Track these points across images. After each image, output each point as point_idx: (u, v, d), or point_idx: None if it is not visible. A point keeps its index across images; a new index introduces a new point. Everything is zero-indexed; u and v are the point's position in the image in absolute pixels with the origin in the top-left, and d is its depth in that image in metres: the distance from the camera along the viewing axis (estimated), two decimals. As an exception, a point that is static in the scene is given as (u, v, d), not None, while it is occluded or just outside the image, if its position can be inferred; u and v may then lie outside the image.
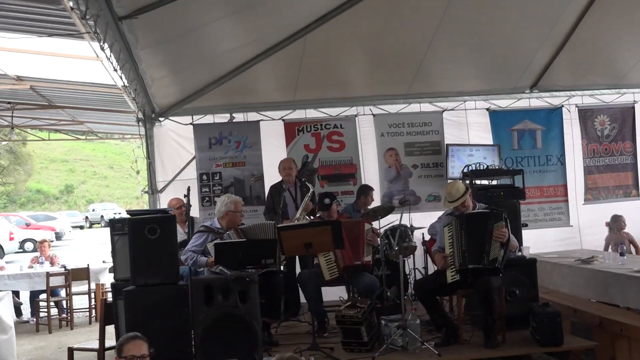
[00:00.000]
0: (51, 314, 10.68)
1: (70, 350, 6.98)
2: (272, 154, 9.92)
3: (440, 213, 7.82)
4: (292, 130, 10.07)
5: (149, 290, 6.05)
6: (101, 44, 6.24)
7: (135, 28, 6.20)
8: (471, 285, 6.38)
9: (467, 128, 10.59)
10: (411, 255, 8.75)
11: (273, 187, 8.78)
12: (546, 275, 8.47)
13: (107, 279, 10.69)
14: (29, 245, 29.03)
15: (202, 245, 6.94)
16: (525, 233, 8.77)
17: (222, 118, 10.06)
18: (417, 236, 8.93)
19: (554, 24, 8.78)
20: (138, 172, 49.18)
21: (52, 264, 11.64)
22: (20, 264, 12.10)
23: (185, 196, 7.87)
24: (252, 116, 10.09)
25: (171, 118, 9.82)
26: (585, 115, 10.75)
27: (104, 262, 11.95)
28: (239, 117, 10.08)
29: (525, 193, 8.80)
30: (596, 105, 10.84)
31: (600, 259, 8.18)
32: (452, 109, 10.48)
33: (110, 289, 8.47)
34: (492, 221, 6.37)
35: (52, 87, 11.76)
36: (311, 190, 8.21)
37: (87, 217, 48.42)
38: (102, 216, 46.25)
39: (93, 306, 11.15)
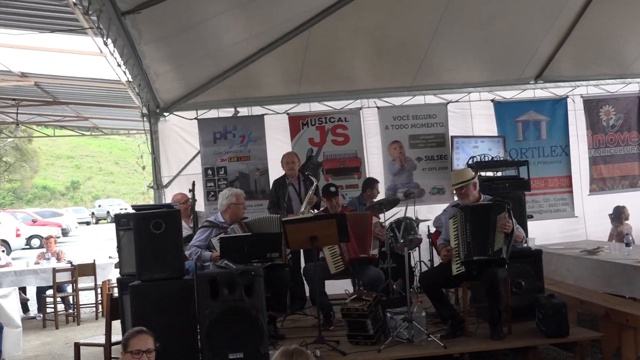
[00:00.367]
0: (58, 310, 10.71)
1: (77, 346, 7.01)
2: (277, 148, 9.93)
3: (444, 205, 7.81)
4: (296, 123, 10.07)
5: (155, 285, 6.05)
6: (104, 39, 6.24)
7: (138, 23, 6.20)
8: (477, 277, 6.38)
9: (472, 120, 10.57)
10: (417, 248, 8.75)
11: (276, 182, 8.78)
12: (552, 267, 8.46)
13: (113, 275, 10.73)
14: (35, 242, 29.12)
15: (206, 240, 6.95)
16: (531, 224, 8.74)
17: (227, 112, 10.07)
18: (423, 229, 8.91)
19: (558, 14, 8.75)
20: (144, 168, 49.11)
21: (58, 259, 11.69)
22: (27, 260, 12.16)
23: (190, 191, 7.88)
24: (257, 110, 10.09)
25: (176, 113, 9.82)
26: (590, 105, 10.72)
27: (110, 257, 12.00)
28: (243, 111, 10.09)
29: (530, 184, 8.78)
30: (601, 95, 10.81)
31: (606, 250, 8.17)
32: (456, 101, 10.45)
33: (116, 284, 8.49)
34: (495, 212, 6.36)
35: (57, 83, 11.80)
36: (315, 184, 8.22)
37: (93, 213, 48.51)
38: (108, 212, 46.27)
39: (99, 301, 11.18)
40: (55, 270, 10.57)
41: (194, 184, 7.88)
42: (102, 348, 6.65)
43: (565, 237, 10.09)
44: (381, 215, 8.35)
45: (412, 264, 8.71)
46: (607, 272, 7.48)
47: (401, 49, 9.07)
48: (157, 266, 6.10)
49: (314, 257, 6.89)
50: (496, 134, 10.34)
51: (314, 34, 8.35)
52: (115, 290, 8.61)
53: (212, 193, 9.71)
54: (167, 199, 9.46)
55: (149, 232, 6.11)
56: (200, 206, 9.27)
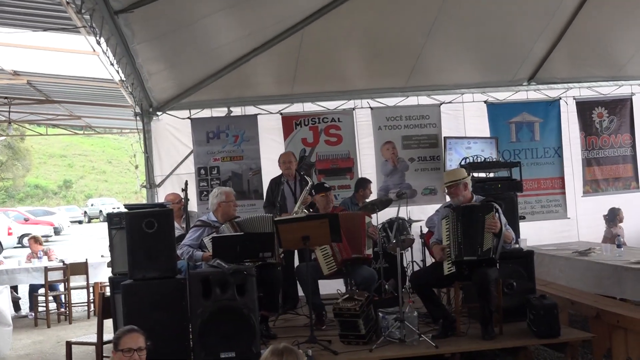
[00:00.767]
0: (50, 309, 10.69)
1: (69, 344, 7.00)
2: (270, 147, 9.94)
3: (436, 206, 7.84)
4: (289, 123, 10.07)
5: (147, 284, 6.05)
6: (97, 38, 6.23)
7: (131, 22, 6.19)
8: (468, 277, 6.41)
9: (465, 121, 10.59)
10: (409, 248, 8.77)
11: (273, 181, 8.81)
12: (543, 268, 8.49)
13: (105, 274, 10.72)
14: (27, 241, 28.98)
15: (197, 239, 6.96)
16: (523, 225, 8.77)
17: (220, 112, 10.07)
18: (415, 229, 8.93)
19: (551, 15, 8.78)
20: (137, 167, 49.18)
21: (48, 258, 11.65)
22: (19, 259, 12.15)
23: (183, 190, 7.88)
24: (250, 110, 10.09)
25: (169, 112, 9.81)
26: (583, 107, 10.76)
27: (102, 256, 11.98)
28: (236, 111, 10.09)
29: (522, 185, 8.81)
30: (594, 97, 10.84)
31: (597, 251, 8.20)
32: (449, 102, 10.47)
33: (108, 283, 8.49)
34: (482, 212, 6.40)
35: (49, 81, 11.78)
36: (310, 184, 8.23)
37: (85, 212, 48.42)
38: (100, 211, 46.16)
39: (91, 300, 11.16)
40: (47, 269, 10.55)
41: (186, 184, 7.87)
42: (93, 347, 6.66)
43: (558, 239, 10.12)
44: (373, 216, 8.36)
45: (405, 264, 8.72)
46: (598, 274, 7.51)
47: (395, 49, 9.07)
48: (150, 265, 6.10)
49: (306, 257, 6.89)
50: (489, 135, 10.35)
51: (307, 34, 8.35)
52: (107, 289, 8.59)
53: (205, 193, 9.68)
54: (160, 198, 9.46)
55: (142, 231, 6.11)
56: (193, 206, 9.26)
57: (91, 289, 11.12)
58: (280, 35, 8.32)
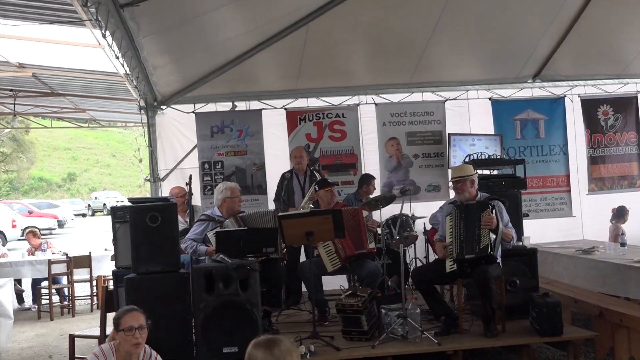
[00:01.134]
0: (53, 302, 10.71)
1: (72, 337, 7.01)
2: (274, 143, 9.96)
3: (440, 203, 7.83)
4: (294, 119, 10.06)
5: (150, 278, 6.07)
6: (103, 31, 6.22)
7: (136, 16, 6.19)
8: (470, 274, 6.40)
9: (469, 117, 10.57)
10: (412, 245, 8.77)
11: (283, 175, 8.83)
12: (547, 266, 8.49)
13: (109, 267, 10.73)
14: (25, 235, 29.00)
15: (202, 233, 6.97)
16: (529, 223, 8.76)
17: (224, 107, 10.05)
18: (418, 226, 8.93)
19: (556, 13, 8.75)
20: (141, 161, 49.07)
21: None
22: (22, 251, 12.15)
23: (186, 184, 7.88)
24: (254, 105, 10.08)
25: (173, 106, 9.80)
26: (588, 105, 10.73)
27: (105, 249, 12.00)
28: (241, 105, 10.08)
29: (526, 183, 8.77)
30: (599, 95, 10.81)
31: (601, 250, 8.19)
32: (454, 99, 10.45)
33: (111, 277, 8.50)
34: (478, 210, 6.41)
35: (54, 74, 11.79)
36: (319, 179, 8.26)
37: (89, 205, 48.49)
38: (104, 204, 46.23)
39: (95, 294, 11.18)
40: (50, 262, 10.57)
41: (190, 178, 7.86)
42: (96, 340, 6.65)
43: (563, 237, 10.08)
44: (377, 212, 8.36)
45: (408, 260, 8.73)
46: (601, 272, 7.50)
47: (400, 45, 9.05)
48: (153, 259, 6.12)
49: (309, 253, 6.89)
50: (493, 132, 10.34)
51: (312, 30, 8.34)
52: (111, 282, 8.61)
53: (209, 187, 9.70)
54: (164, 192, 9.46)
55: (145, 225, 6.13)
56: (196, 200, 9.26)
57: (94, 282, 11.13)
58: (285, 30, 8.31)
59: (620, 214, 9.90)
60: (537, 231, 9.47)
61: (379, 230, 8.13)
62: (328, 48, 8.93)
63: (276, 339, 2.90)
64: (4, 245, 20.18)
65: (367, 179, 9.28)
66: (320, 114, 10.10)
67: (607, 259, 7.59)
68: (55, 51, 9.99)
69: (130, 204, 6.62)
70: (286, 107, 10.09)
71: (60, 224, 34.52)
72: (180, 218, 7.90)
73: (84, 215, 46.07)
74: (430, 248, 8.72)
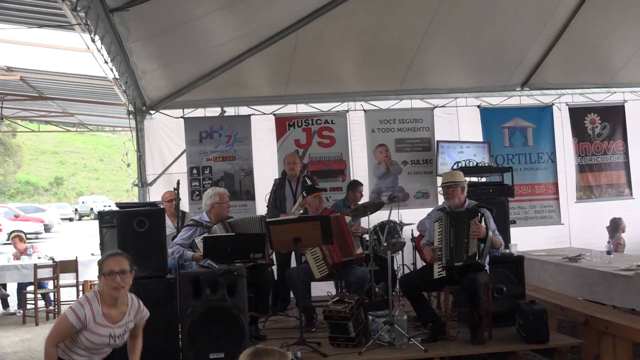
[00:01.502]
0: (38, 306, 10.64)
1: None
2: (263, 148, 9.96)
3: (428, 210, 7.85)
4: (283, 125, 10.07)
5: (137, 283, 5.96)
6: (92, 35, 6.22)
7: (126, 20, 6.18)
8: (457, 282, 6.42)
9: (458, 125, 10.60)
10: (400, 252, 8.78)
11: (276, 181, 8.84)
12: (534, 273, 8.53)
13: (95, 272, 10.66)
14: (11, 239, 28.82)
15: (189, 238, 6.97)
16: (517, 231, 8.79)
17: (213, 112, 10.05)
18: (407, 232, 8.93)
19: (546, 22, 8.80)
20: (129, 165, 49.06)
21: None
22: (8, 255, 12.05)
23: (174, 190, 7.87)
24: (243, 110, 10.07)
25: (162, 111, 9.79)
26: (576, 113, 10.78)
27: (92, 254, 11.93)
28: (230, 111, 10.07)
29: (514, 191, 8.79)
30: (586, 103, 10.87)
31: (587, 257, 8.22)
32: (443, 106, 10.48)
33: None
34: (467, 218, 6.44)
35: (43, 78, 11.74)
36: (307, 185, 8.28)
37: (76, 210, 48.23)
38: (91, 209, 46.04)
39: (81, 298, 11.09)
40: (36, 267, 10.50)
41: (178, 183, 7.86)
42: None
43: (551, 244, 10.09)
44: (365, 219, 8.37)
45: (395, 267, 8.72)
46: (587, 280, 7.53)
47: (389, 52, 9.08)
48: (140, 264, 6.03)
49: (297, 260, 6.90)
50: (482, 140, 10.38)
51: (302, 36, 8.35)
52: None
53: (197, 192, 9.68)
54: (152, 197, 9.44)
55: (133, 230, 6.12)
56: (184, 206, 9.25)
57: (81, 287, 11.07)
58: (275, 37, 8.32)
59: (615, 227, 9.97)
60: (526, 239, 9.47)
61: (367, 237, 8.14)
62: (317, 54, 8.94)
63: (266, 349, 2.88)
64: (-11, 249, 20.03)
65: (353, 185, 9.29)
66: (309, 120, 10.11)
67: (594, 266, 7.62)
68: (43, 55, 9.96)
69: (117, 208, 6.60)
70: (275, 113, 10.09)
71: (47, 228, 34.29)
72: (170, 223, 7.91)
73: (70, 219, 45.82)
74: (417, 255, 8.73)
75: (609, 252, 8.08)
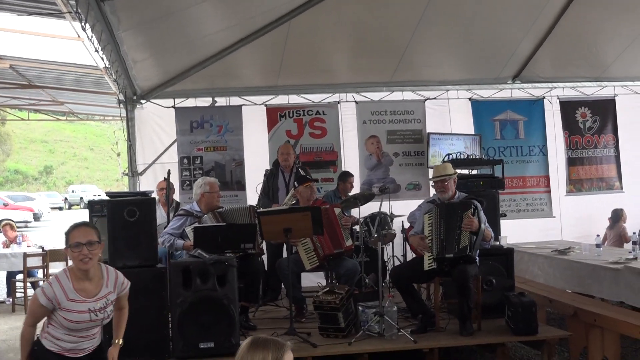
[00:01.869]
0: (27, 295, 10.61)
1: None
2: (254, 139, 9.93)
3: (420, 201, 7.86)
4: (274, 115, 10.05)
5: (127, 272, 5.92)
6: (82, 24, 6.16)
7: (117, 9, 6.13)
8: (448, 273, 6.44)
9: (450, 117, 10.61)
10: (390, 243, 8.80)
11: (268, 171, 8.84)
12: (523, 265, 8.56)
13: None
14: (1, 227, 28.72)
15: (179, 228, 6.95)
16: (508, 223, 8.83)
17: (204, 102, 10.02)
18: (397, 224, 8.96)
19: (538, 14, 8.80)
20: (119, 155, 48.83)
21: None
22: (-4, 244, 12.00)
23: (165, 179, 7.85)
24: (235, 100, 10.05)
25: (153, 101, 9.74)
26: (566, 107, 10.80)
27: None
28: (221, 101, 10.04)
29: (504, 183, 8.83)
30: (577, 97, 10.89)
31: (576, 250, 8.25)
32: (434, 98, 10.48)
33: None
34: (460, 210, 6.46)
35: (33, 66, 11.67)
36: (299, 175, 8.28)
37: (66, 199, 48.05)
38: (81, 198, 45.87)
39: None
40: (26, 255, 10.47)
41: (169, 173, 7.84)
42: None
43: (542, 237, 10.05)
44: (355, 210, 8.39)
45: (385, 258, 8.75)
46: (576, 273, 7.57)
47: (381, 44, 9.06)
48: (130, 254, 6.10)
49: (288, 250, 6.90)
50: (473, 132, 10.39)
51: (294, 26, 8.32)
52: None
53: (188, 182, 9.66)
54: (142, 186, 9.42)
55: (123, 219, 6.10)
56: (176, 195, 9.23)
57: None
58: (267, 27, 8.28)
59: (616, 218, 10.03)
60: (518, 231, 9.56)
61: (357, 228, 8.15)
62: (309, 45, 8.91)
63: (265, 340, 2.72)
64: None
65: (344, 176, 9.30)
66: (300, 110, 10.09)
67: (583, 259, 7.66)
68: (34, 43, 9.90)
69: (108, 197, 6.58)
70: (266, 103, 10.07)
71: (36, 217, 34.21)
72: (163, 212, 7.89)
73: (60, 208, 45.65)
74: (408, 246, 8.75)
75: (598, 245, 8.12)
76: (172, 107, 9.84)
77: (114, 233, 6.10)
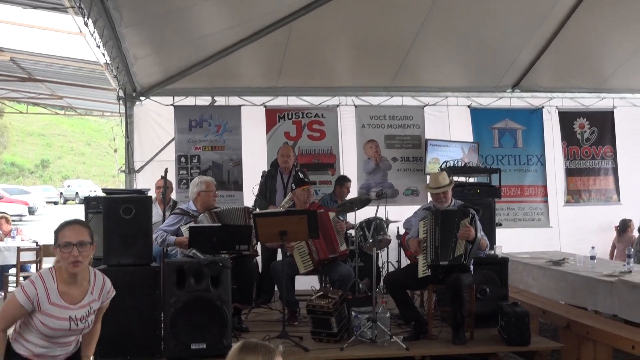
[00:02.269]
0: (20, 289, 10.57)
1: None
2: (252, 139, 9.92)
3: (417, 207, 7.86)
4: (273, 116, 10.04)
5: (121, 270, 6.00)
6: (85, 19, 6.16)
7: (120, 5, 6.14)
8: (442, 281, 6.44)
9: (449, 124, 10.60)
10: (385, 249, 8.78)
11: (266, 173, 8.83)
12: (517, 275, 8.56)
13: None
14: (1, 220, 28.66)
15: (174, 226, 6.91)
16: (505, 232, 8.82)
17: (204, 101, 10.00)
18: (392, 230, 8.95)
19: (539, 24, 8.81)
20: (116, 151, 48.81)
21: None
22: (-10, 238, 11.97)
23: (162, 178, 7.83)
24: (234, 100, 10.05)
25: (152, 98, 9.72)
26: (565, 117, 10.81)
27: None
28: (220, 100, 10.03)
29: (501, 192, 8.83)
30: (576, 108, 10.91)
31: (571, 262, 8.25)
32: (433, 104, 10.49)
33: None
34: (458, 218, 6.45)
35: (33, 59, 11.67)
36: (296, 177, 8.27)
37: (61, 193, 47.93)
38: (77, 193, 45.76)
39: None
40: (19, 249, 10.44)
41: (166, 171, 7.82)
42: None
43: (539, 247, 10.04)
44: (351, 214, 8.37)
45: (380, 264, 8.74)
46: (570, 284, 7.57)
47: (382, 49, 9.06)
48: (125, 251, 6.07)
49: (283, 253, 6.89)
50: (472, 140, 10.39)
51: (296, 28, 8.31)
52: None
53: (184, 181, 9.63)
54: (139, 184, 9.39)
55: (119, 216, 6.08)
56: (172, 194, 9.21)
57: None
58: (269, 28, 8.27)
59: (624, 228, 10.04)
60: (515, 240, 9.54)
61: (352, 232, 8.14)
62: (310, 48, 8.91)
63: (256, 344, 2.68)
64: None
65: (341, 180, 9.30)
66: (299, 113, 10.09)
67: (577, 271, 7.65)
68: (35, 36, 9.90)
69: (104, 194, 6.56)
70: (266, 104, 10.07)
71: (31, 211, 34.07)
72: (159, 210, 7.87)
73: (55, 203, 45.50)
74: (402, 252, 8.74)
75: (592, 257, 8.11)
76: (172, 105, 9.82)
77: (109, 230, 6.07)
